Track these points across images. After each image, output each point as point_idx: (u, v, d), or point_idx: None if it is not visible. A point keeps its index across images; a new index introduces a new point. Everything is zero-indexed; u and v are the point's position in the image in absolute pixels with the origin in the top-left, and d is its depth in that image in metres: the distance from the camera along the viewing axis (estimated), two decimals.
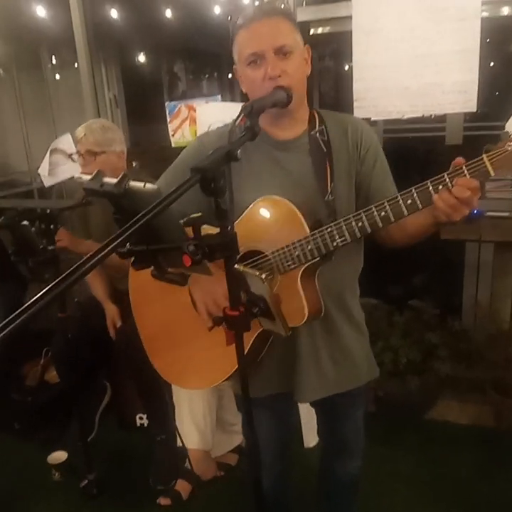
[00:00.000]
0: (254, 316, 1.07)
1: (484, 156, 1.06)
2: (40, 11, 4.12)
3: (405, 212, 1.16)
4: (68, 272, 0.66)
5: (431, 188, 1.12)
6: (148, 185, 0.94)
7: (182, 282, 1.20)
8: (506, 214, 2.43)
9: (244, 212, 1.30)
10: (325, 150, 1.33)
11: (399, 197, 1.16)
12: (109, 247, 0.73)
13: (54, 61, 5.53)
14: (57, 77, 5.60)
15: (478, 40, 2.08)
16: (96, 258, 0.70)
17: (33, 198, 4.63)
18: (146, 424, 2.61)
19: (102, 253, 0.72)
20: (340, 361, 1.44)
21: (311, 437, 2.45)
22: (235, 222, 1.28)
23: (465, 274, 3.00)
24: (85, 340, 2.36)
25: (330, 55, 6.64)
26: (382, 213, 1.18)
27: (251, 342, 1.30)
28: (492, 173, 1.06)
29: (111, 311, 2.36)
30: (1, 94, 5.45)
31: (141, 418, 2.63)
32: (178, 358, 1.46)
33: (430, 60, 2.17)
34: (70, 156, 2.45)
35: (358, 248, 1.45)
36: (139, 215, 0.78)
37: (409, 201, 1.15)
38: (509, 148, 1.03)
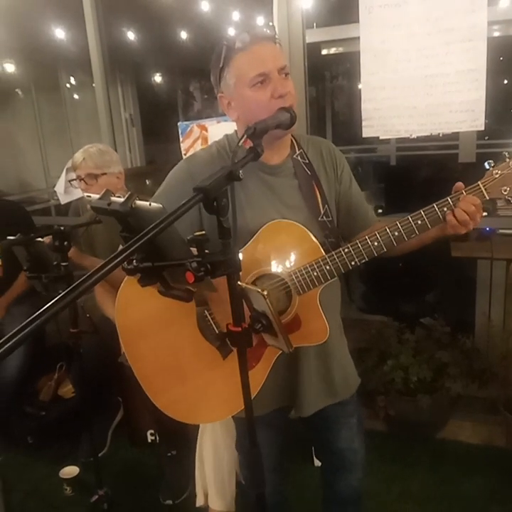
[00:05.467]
0: (257, 332, 1.09)
1: (479, 183, 1.24)
2: (59, 33, 4.25)
3: (416, 231, 1.28)
4: (76, 283, 0.69)
5: (437, 210, 1.26)
6: (154, 204, 0.98)
7: (187, 298, 1.22)
8: None
9: (254, 237, 1.33)
10: (309, 173, 1.40)
11: (410, 218, 1.27)
12: (116, 261, 0.76)
13: (72, 82, 5.67)
14: (75, 97, 5.74)
15: (485, 60, 2.10)
16: (102, 271, 0.73)
17: (50, 215, 4.72)
18: (156, 441, 2.62)
19: (108, 267, 0.75)
20: (335, 373, 1.49)
21: None
22: (245, 247, 1.32)
23: (477, 291, 2.98)
24: (97, 356, 2.39)
25: (343, 74, 6.73)
26: (396, 233, 1.28)
27: (272, 363, 1.34)
28: (487, 196, 1.24)
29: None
30: (20, 114, 5.59)
31: (151, 434, 2.64)
32: (185, 393, 1.41)
33: (438, 79, 2.19)
34: (69, 182, 2.52)
35: None
36: (144, 231, 0.81)
37: (419, 221, 1.27)
38: (496, 176, 1.22)
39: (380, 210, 3.48)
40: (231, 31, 5.20)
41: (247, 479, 1.65)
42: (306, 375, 1.45)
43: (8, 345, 0.63)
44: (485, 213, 1.27)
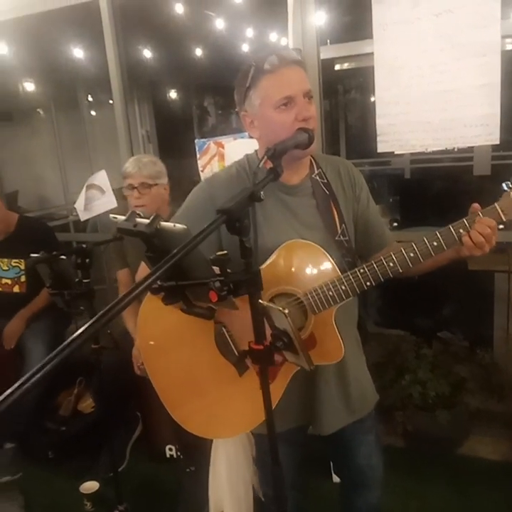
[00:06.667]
0: (279, 349, 1.11)
1: (496, 205, 1.23)
2: (77, 53, 4.35)
3: (432, 253, 1.27)
4: (108, 307, 0.71)
5: (453, 231, 1.25)
6: (178, 226, 1.00)
7: (209, 316, 1.25)
8: None
9: (272, 257, 1.35)
10: (327, 192, 1.42)
11: (425, 239, 1.27)
12: (146, 283, 0.79)
13: (90, 100, 5.78)
14: (93, 114, 5.85)
15: (499, 75, 2.12)
16: (134, 294, 0.76)
17: (69, 231, 4.79)
18: (175, 456, 2.63)
19: (140, 288, 0.77)
20: (354, 390, 1.49)
21: None
22: (263, 266, 1.34)
23: (495, 305, 2.97)
24: (117, 371, 2.42)
25: (355, 88, 6.77)
26: (411, 254, 1.28)
27: (288, 381, 1.35)
28: (504, 218, 1.23)
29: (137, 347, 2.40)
30: (40, 132, 5.71)
31: (170, 449, 2.66)
32: (203, 408, 1.44)
33: (452, 94, 2.20)
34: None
35: None
36: (171, 253, 0.84)
37: (435, 243, 1.26)
38: None
39: (395, 224, 3.47)
40: (245, 47, 5.29)
41: (268, 496, 1.66)
42: (324, 393, 1.46)
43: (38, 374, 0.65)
44: (501, 226, 1.26)
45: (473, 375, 2.53)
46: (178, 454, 2.60)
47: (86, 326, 0.70)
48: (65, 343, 0.66)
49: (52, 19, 3.13)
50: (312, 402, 1.47)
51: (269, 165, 1.12)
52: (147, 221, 1.02)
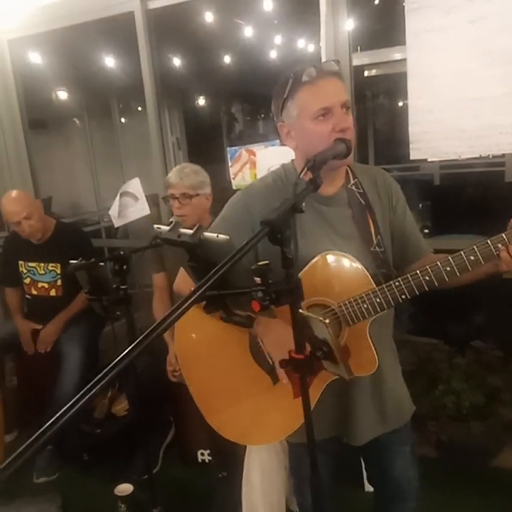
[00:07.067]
0: (318, 359, 1.12)
1: None
2: (109, 61, 4.44)
3: (469, 267, 1.25)
4: (158, 322, 0.74)
5: (491, 246, 1.22)
6: (221, 236, 1.03)
7: (249, 324, 1.27)
8: None
9: (306, 267, 1.35)
10: (363, 202, 1.42)
11: (462, 253, 1.24)
12: (196, 295, 0.81)
13: (121, 109, 5.89)
14: (124, 122, 5.96)
15: None
16: (185, 306, 0.78)
17: (100, 237, 4.89)
18: (207, 460, 2.66)
19: (190, 301, 0.80)
20: (388, 401, 1.49)
21: None
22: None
23: None
24: (152, 375, 2.45)
25: (384, 93, 6.74)
26: (448, 268, 1.26)
27: (321, 392, 1.36)
28: None
29: (173, 354, 2.43)
30: (73, 140, 5.84)
31: (202, 454, 2.68)
32: (237, 414, 1.46)
33: (485, 102, 2.19)
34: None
35: None
36: (218, 266, 0.86)
37: (472, 257, 1.24)
38: None
39: (426, 231, 3.44)
40: (273, 55, 5.32)
41: (304, 507, 1.67)
42: (358, 403, 1.46)
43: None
44: None
45: (508, 386, 2.48)
46: (211, 458, 2.63)
47: (140, 338, 0.72)
48: (120, 357, 0.69)
49: (85, 28, 3.21)
50: (346, 412, 1.47)
51: (309, 176, 1.14)
52: (191, 232, 1.05)
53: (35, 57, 3.72)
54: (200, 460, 2.69)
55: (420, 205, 4.48)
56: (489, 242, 1.23)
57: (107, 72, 4.55)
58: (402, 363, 1.62)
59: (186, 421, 2.65)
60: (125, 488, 2.39)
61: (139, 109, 5.19)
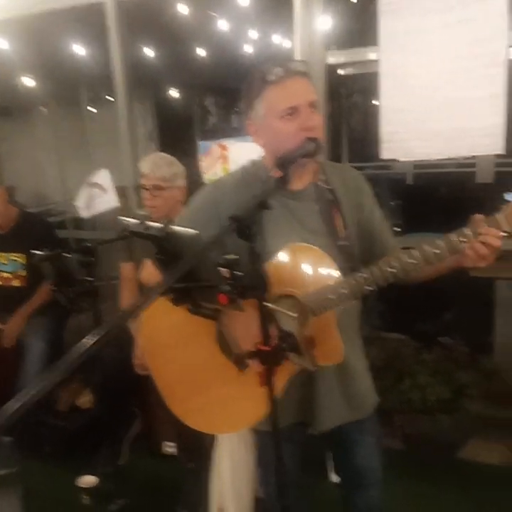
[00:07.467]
0: (284, 351, 1.14)
1: (496, 215, 1.23)
2: (79, 50, 4.36)
3: (433, 260, 1.27)
4: (123, 312, 0.74)
5: (454, 240, 1.25)
6: (189, 230, 1.03)
7: (216, 316, 1.28)
8: None
9: (274, 260, 1.37)
10: (331, 198, 1.45)
11: (427, 247, 1.27)
12: (162, 288, 0.82)
13: (90, 97, 5.78)
14: (94, 111, 5.86)
15: (505, 86, 2.15)
16: (151, 298, 0.79)
17: (66, 228, 4.80)
18: (174, 453, 2.66)
19: (156, 293, 0.80)
20: (354, 391, 1.52)
21: None
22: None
23: (496, 312, 2.98)
24: (119, 367, 2.44)
25: (358, 92, 6.81)
26: (413, 261, 1.28)
27: (287, 380, 1.38)
28: (506, 229, 1.23)
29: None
30: (40, 128, 5.72)
31: (170, 446, 2.68)
32: (204, 404, 1.47)
33: (458, 104, 2.22)
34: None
35: None
36: (186, 260, 0.87)
37: (437, 251, 1.26)
38: None
39: (397, 229, 3.49)
40: (248, 49, 5.32)
41: (269, 494, 1.70)
42: (324, 391, 1.48)
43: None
44: (505, 234, 1.25)
45: (475, 382, 2.54)
46: (178, 450, 2.63)
47: (104, 328, 0.72)
48: (84, 349, 0.69)
49: (55, 16, 3.14)
50: (311, 398, 1.49)
51: (278, 174, 1.15)
52: (159, 225, 1.05)
53: (2, 43, 3.62)
54: (167, 452, 2.69)
55: (392, 203, 4.55)
56: (453, 236, 1.26)
57: (77, 61, 4.47)
58: (371, 358, 1.66)
59: (153, 413, 2.65)
60: (89, 480, 2.38)
61: (110, 98, 5.11)
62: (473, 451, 2.62)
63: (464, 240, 1.25)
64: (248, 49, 5.34)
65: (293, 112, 1.31)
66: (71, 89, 5.65)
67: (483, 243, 1.22)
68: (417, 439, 2.55)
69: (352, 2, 4.10)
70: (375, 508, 1.69)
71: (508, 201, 1.23)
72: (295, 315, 1.10)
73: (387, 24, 2.26)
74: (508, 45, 2.15)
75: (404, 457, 2.58)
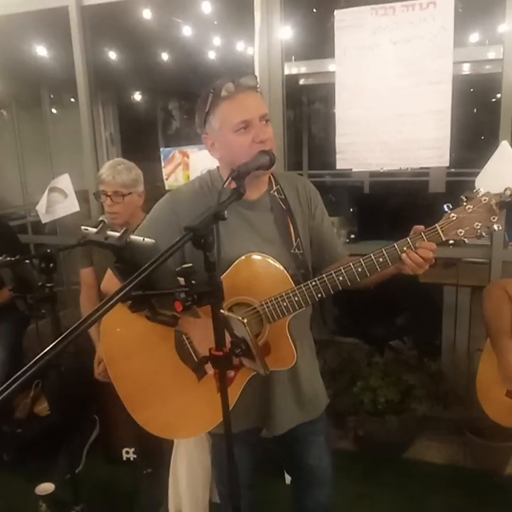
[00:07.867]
0: (237, 356, 1.19)
1: (437, 225, 1.33)
2: (41, 51, 4.30)
3: (378, 268, 1.36)
4: (82, 319, 0.77)
5: (398, 249, 1.34)
6: (147, 240, 1.07)
7: (173, 323, 1.32)
8: (482, 260, 2.55)
9: (230, 268, 1.42)
10: (284, 207, 1.52)
11: (372, 256, 1.35)
12: (120, 294, 0.85)
13: (53, 100, 5.70)
14: (55, 114, 5.77)
15: (450, 101, 2.27)
16: (109, 304, 0.82)
17: (27, 232, 4.73)
18: (132, 459, 2.66)
19: (113, 300, 0.84)
20: (306, 393, 1.59)
21: None
22: (222, 276, 1.40)
23: (443, 316, 3.13)
24: (77, 374, 2.43)
25: (320, 100, 6.93)
26: (359, 269, 1.36)
27: (243, 386, 1.43)
28: (443, 238, 1.33)
29: (100, 354, 2.43)
30: (0, 131, 5.60)
31: (127, 452, 2.69)
32: (163, 410, 1.51)
33: (408, 118, 2.34)
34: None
35: None
36: (143, 268, 0.90)
37: (381, 259, 1.35)
38: (453, 219, 1.31)
39: (352, 236, 3.60)
40: (212, 55, 5.36)
41: (223, 495, 1.74)
42: (278, 396, 1.55)
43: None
44: (452, 241, 1.34)
45: (421, 383, 2.66)
46: (135, 456, 2.64)
47: (62, 336, 0.75)
48: (42, 353, 0.72)
49: (17, 18, 3.11)
50: (266, 403, 1.55)
51: (233, 185, 1.20)
52: (118, 234, 1.09)
53: None
54: (125, 458, 2.70)
55: (351, 210, 4.66)
56: (396, 245, 1.35)
57: (39, 62, 4.40)
58: (328, 362, 1.72)
59: (111, 419, 2.65)
60: (46, 488, 2.35)
61: (72, 100, 5.05)
62: (419, 451, 2.73)
63: (406, 248, 1.33)
64: (212, 55, 5.38)
65: (246, 125, 1.37)
66: (33, 91, 5.55)
67: (420, 255, 1.31)
68: (367, 440, 2.64)
69: (313, 14, 4.19)
70: (325, 506, 1.75)
71: (446, 212, 1.32)
72: (245, 321, 1.15)
73: (342, 39, 2.35)
74: (458, 58, 2.26)
75: (354, 458, 2.67)
